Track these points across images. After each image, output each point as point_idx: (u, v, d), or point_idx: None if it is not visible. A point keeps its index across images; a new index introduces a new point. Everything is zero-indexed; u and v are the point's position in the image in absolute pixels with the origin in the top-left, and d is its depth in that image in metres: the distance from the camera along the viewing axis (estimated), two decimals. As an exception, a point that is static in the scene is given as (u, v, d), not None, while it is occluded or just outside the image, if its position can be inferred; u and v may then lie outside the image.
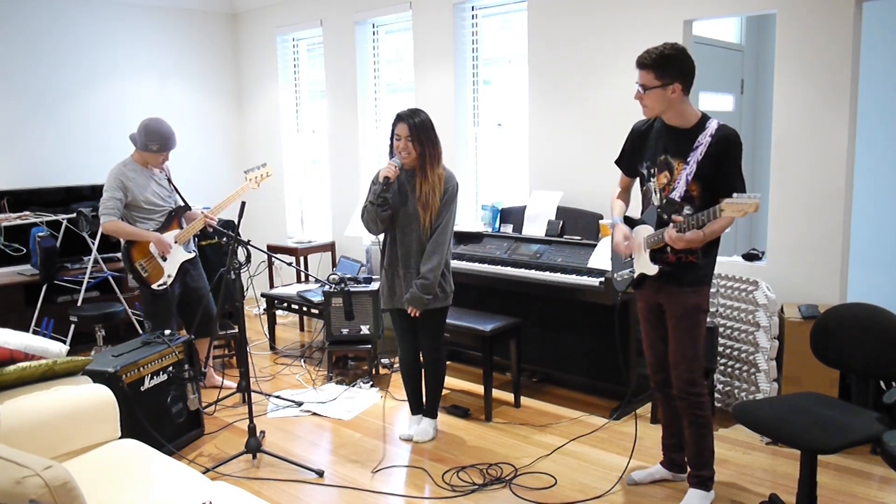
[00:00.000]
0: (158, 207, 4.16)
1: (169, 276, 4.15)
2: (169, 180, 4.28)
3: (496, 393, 4.31)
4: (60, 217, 5.34)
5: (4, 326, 2.87)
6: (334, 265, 6.20)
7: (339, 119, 6.15)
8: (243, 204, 3.69)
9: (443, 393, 4.23)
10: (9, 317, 4.97)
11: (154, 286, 4.12)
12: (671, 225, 2.73)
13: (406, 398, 3.89)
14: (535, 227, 4.55)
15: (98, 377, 3.11)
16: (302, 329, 6.09)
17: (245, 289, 3.86)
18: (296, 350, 5.49)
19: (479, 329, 3.98)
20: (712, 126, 2.77)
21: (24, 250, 5.40)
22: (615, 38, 4.36)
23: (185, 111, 6.64)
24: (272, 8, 6.59)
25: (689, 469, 3.03)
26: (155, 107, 6.29)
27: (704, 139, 2.75)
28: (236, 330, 4.66)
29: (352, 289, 4.56)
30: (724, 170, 2.74)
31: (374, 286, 4.63)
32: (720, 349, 3.83)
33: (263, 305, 5.49)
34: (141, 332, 5.08)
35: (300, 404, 4.30)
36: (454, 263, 4.38)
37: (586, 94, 4.54)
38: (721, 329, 3.84)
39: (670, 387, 3.06)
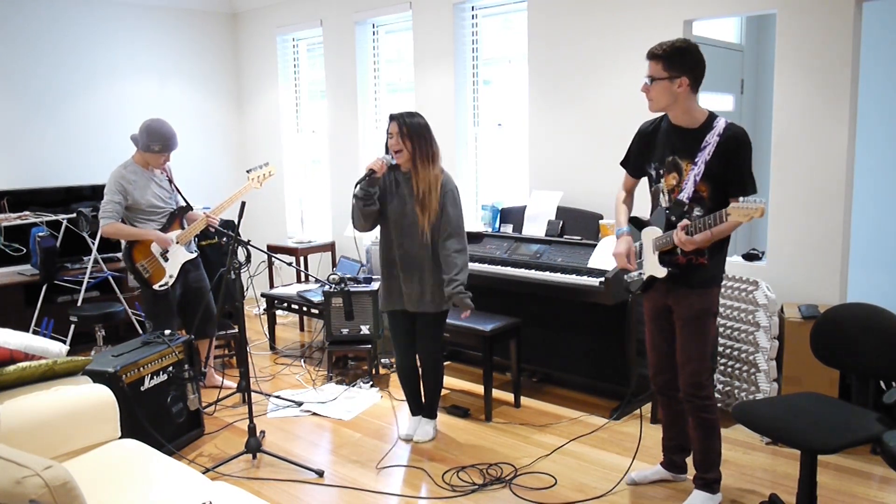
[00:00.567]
0: (159, 209, 4.16)
1: (171, 276, 4.15)
2: (170, 181, 4.28)
3: (496, 393, 4.31)
4: (60, 217, 5.34)
5: (4, 326, 2.87)
6: (334, 265, 6.20)
7: (339, 119, 6.15)
8: (243, 204, 3.69)
9: (443, 393, 4.23)
10: (9, 317, 4.98)
11: (156, 287, 4.13)
12: (679, 227, 2.70)
13: (405, 398, 3.89)
14: (535, 227, 4.55)
15: (98, 377, 3.11)
16: (302, 329, 6.09)
17: (245, 289, 3.86)
18: (296, 350, 5.49)
19: (479, 329, 3.98)
20: (720, 125, 2.74)
21: (24, 250, 5.40)
22: (615, 38, 4.36)
23: (185, 111, 6.64)
24: (272, 8, 6.59)
25: (695, 471, 3.01)
26: (155, 107, 6.29)
27: (712, 139, 2.72)
28: (236, 330, 4.66)
29: (352, 289, 4.56)
30: (733, 170, 2.70)
31: (374, 286, 4.63)
32: (720, 349, 3.83)
33: (263, 305, 5.49)
34: (141, 332, 5.09)
35: (300, 404, 4.30)
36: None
37: (586, 94, 4.54)
38: (721, 329, 3.84)
39: (672, 389, 3.06)
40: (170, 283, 4.15)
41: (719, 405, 3.87)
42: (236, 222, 3.71)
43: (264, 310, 5.50)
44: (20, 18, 5.63)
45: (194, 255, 4.30)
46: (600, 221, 4.27)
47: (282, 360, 5.25)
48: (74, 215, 5.29)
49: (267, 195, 6.87)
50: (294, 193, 6.91)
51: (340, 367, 5.00)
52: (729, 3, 3.94)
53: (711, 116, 2.79)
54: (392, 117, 3.46)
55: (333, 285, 4.60)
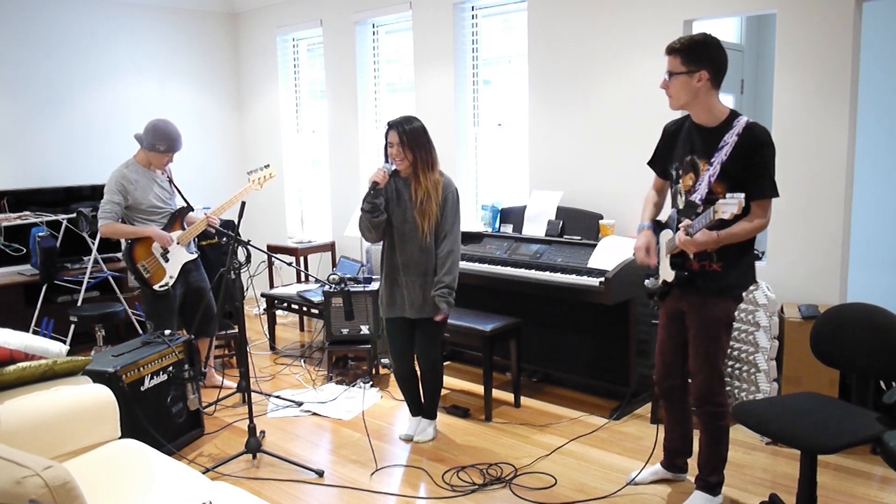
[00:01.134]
0: (160, 209, 4.16)
1: (171, 276, 4.15)
2: (170, 181, 4.28)
3: (496, 393, 4.31)
4: (60, 217, 5.34)
5: (4, 326, 2.87)
6: (334, 265, 6.20)
7: (339, 119, 6.15)
8: (243, 204, 3.69)
9: (443, 393, 4.24)
10: (9, 317, 4.98)
11: (156, 287, 4.12)
12: (681, 228, 2.66)
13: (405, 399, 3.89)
14: (535, 227, 4.55)
15: (98, 377, 3.11)
16: (302, 329, 6.09)
17: (245, 289, 3.86)
18: (296, 350, 5.49)
19: (479, 329, 3.98)
20: (740, 124, 2.64)
21: (24, 250, 5.40)
22: (615, 38, 4.36)
23: (185, 111, 6.64)
24: (272, 8, 6.59)
25: (697, 471, 3.00)
26: (155, 107, 6.29)
27: (731, 138, 2.62)
28: (236, 330, 4.66)
29: (352, 289, 4.56)
30: (753, 172, 2.59)
31: (374, 286, 4.63)
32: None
33: (263, 305, 5.49)
34: (141, 332, 5.08)
35: (300, 404, 4.30)
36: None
37: (586, 93, 4.54)
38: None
39: (677, 395, 3.04)
40: (170, 284, 4.15)
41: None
42: (236, 222, 3.71)
43: (264, 310, 5.50)
44: (20, 18, 5.63)
45: (195, 255, 4.30)
46: (600, 221, 4.27)
47: (282, 360, 5.25)
48: (74, 215, 5.29)
49: (267, 195, 6.86)
50: (294, 193, 6.91)
51: (340, 367, 5.00)
52: (729, 3, 3.94)
53: (733, 115, 2.69)
54: (391, 125, 3.46)
55: (333, 285, 4.60)
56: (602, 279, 3.83)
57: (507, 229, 4.71)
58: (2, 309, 5.11)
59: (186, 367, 3.71)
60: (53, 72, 5.83)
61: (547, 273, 4.08)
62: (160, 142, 4.06)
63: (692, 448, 3.14)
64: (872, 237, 4.83)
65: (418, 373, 3.74)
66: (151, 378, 3.54)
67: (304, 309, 5.16)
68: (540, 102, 4.78)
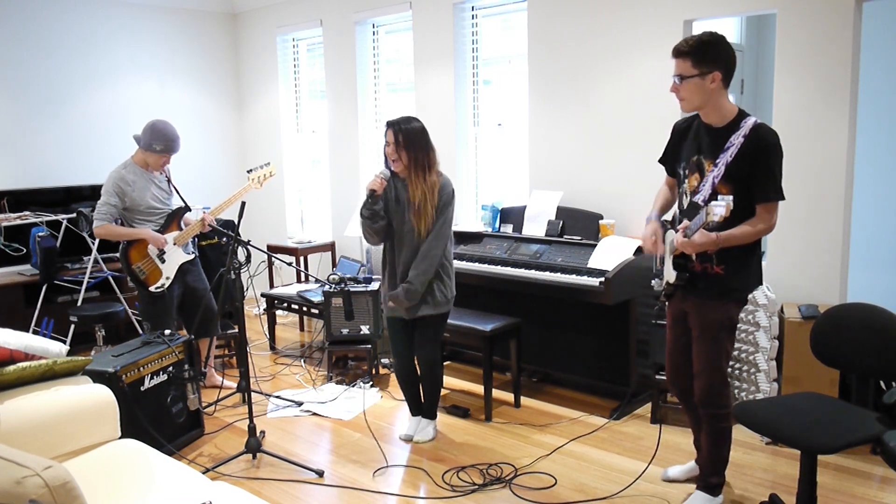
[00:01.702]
0: (158, 210, 4.15)
1: (167, 277, 4.14)
2: (168, 181, 4.28)
3: (496, 393, 4.31)
4: (60, 217, 5.34)
5: (4, 326, 2.87)
6: (334, 265, 6.20)
7: (339, 119, 6.15)
8: (243, 204, 3.69)
9: (443, 393, 4.24)
10: (9, 317, 4.97)
11: (152, 288, 4.11)
12: (679, 229, 2.64)
13: (405, 399, 3.89)
14: (535, 227, 4.55)
15: (98, 377, 3.11)
16: (302, 329, 6.09)
17: (245, 289, 3.86)
18: (296, 350, 5.49)
19: (479, 329, 3.98)
20: (748, 125, 2.61)
21: (24, 250, 5.40)
22: (615, 38, 4.36)
23: (185, 111, 6.64)
24: (272, 8, 6.59)
25: (699, 472, 3.01)
26: (155, 107, 6.29)
27: (737, 139, 2.59)
28: (236, 330, 4.66)
29: (352, 289, 4.55)
30: (758, 174, 2.57)
31: (374, 286, 4.63)
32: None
33: (263, 305, 5.49)
34: (141, 332, 5.08)
35: (300, 404, 4.30)
36: (454, 263, 4.37)
37: (586, 93, 4.54)
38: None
39: (690, 395, 3.03)
40: (166, 286, 4.13)
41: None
42: (236, 222, 3.71)
43: (264, 310, 5.50)
44: (20, 18, 5.63)
45: (192, 256, 4.29)
46: (600, 221, 4.27)
47: (282, 360, 5.25)
48: (74, 215, 5.28)
49: (267, 195, 6.86)
50: (294, 193, 6.91)
51: (340, 367, 5.00)
52: (729, 3, 3.94)
53: (741, 115, 2.67)
54: (388, 125, 3.46)
55: (333, 285, 4.59)
56: (602, 279, 3.83)
57: (507, 229, 4.71)
58: (2, 309, 5.11)
59: (186, 367, 3.71)
60: (53, 72, 5.83)
61: (547, 273, 4.08)
62: (157, 142, 4.05)
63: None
64: (872, 237, 4.83)
65: (418, 372, 3.74)
66: (151, 378, 3.54)
67: (304, 309, 5.16)
68: (540, 102, 4.78)
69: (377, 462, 3.54)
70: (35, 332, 4.94)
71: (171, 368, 3.66)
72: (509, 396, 4.26)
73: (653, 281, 3.02)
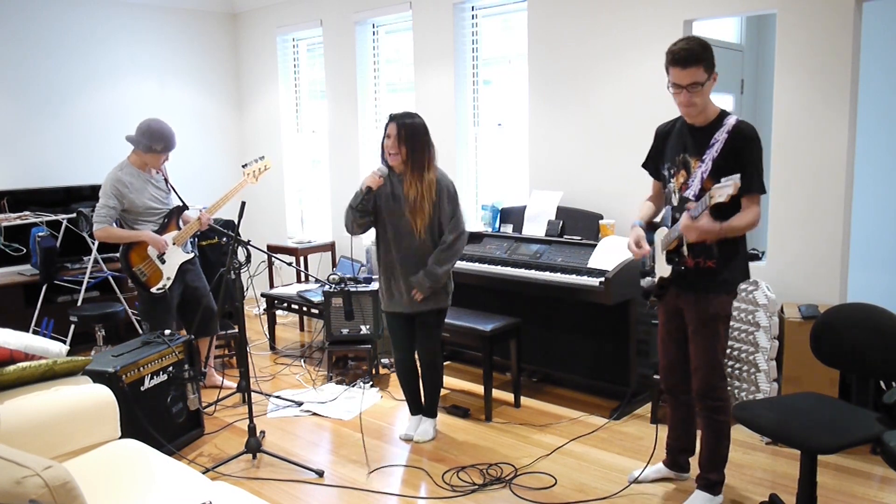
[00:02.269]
0: (157, 210, 4.15)
1: (168, 278, 4.14)
2: (166, 181, 4.27)
3: (496, 393, 4.31)
4: (60, 217, 5.34)
5: (4, 326, 2.87)
6: (334, 265, 6.20)
7: (339, 119, 6.15)
8: (243, 204, 3.68)
9: (443, 393, 4.24)
10: (9, 317, 4.97)
11: (153, 290, 4.11)
12: (685, 213, 2.66)
13: (405, 399, 3.89)
14: (535, 227, 4.55)
15: (98, 377, 3.11)
16: (302, 329, 6.09)
17: (245, 289, 3.86)
18: (296, 350, 5.49)
19: (479, 329, 3.98)
20: (730, 122, 2.70)
21: (24, 250, 5.40)
22: (615, 38, 4.36)
23: (185, 111, 6.64)
24: (272, 8, 6.59)
25: (699, 470, 3.00)
26: (155, 107, 6.29)
27: (721, 136, 2.68)
28: (236, 330, 4.66)
29: (352, 289, 4.56)
30: (743, 168, 2.64)
31: (374, 286, 4.63)
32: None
33: (263, 305, 5.49)
34: (141, 332, 5.08)
35: (300, 404, 4.30)
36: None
37: (586, 93, 4.54)
38: (721, 329, 3.83)
39: (681, 391, 3.05)
40: (167, 286, 4.14)
41: (719, 405, 3.87)
42: (236, 222, 3.71)
43: (264, 310, 5.50)
44: (20, 18, 5.63)
45: (191, 255, 4.29)
46: (600, 221, 4.27)
47: (282, 360, 5.25)
48: (74, 215, 5.28)
49: (267, 195, 6.87)
50: (294, 193, 6.91)
51: (340, 367, 5.00)
52: (729, 3, 3.94)
53: (723, 114, 2.75)
54: (392, 118, 3.47)
55: (333, 285, 4.60)
56: (602, 279, 3.83)
57: (507, 229, 4.71)
58: (2, 309, 5.11)
59: (186, 367, 3.71)
60: (53, 72, 5.83)
61: (547, 273, 4.08)
62: (157, 142, 4.05)
63: (695, 445, 3.14)
64: (872, 237, 4.83)
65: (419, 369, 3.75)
66: (151, 378, 3.54)
67: (304, 309, 5.16)
68: (540, 102, 4.78)
69: (377, 462, 3.54)
70: (35, 332, 4.94)
71: (171, 368, 3.66)
72: (509, 396, 4.26)
73: (642, 280, 3.04)
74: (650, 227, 3.01)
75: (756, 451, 3.53)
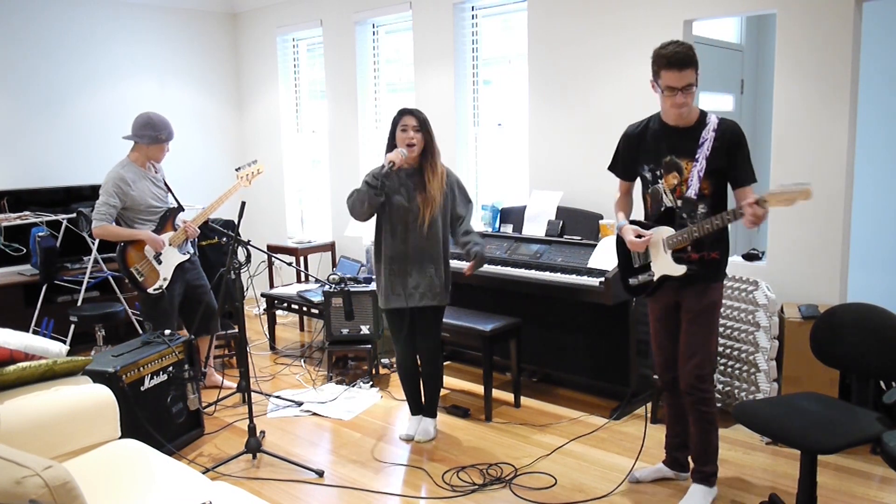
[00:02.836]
0: (157, 209, 4.15)
1: (164, 279, 4.14)
2: (164, 180, 4.27)
3: (496, 393, 4.31)
4: (60, 217, 5.34)
5: (4, 326, 2.87)
6: (334, 265, 6.20)
7: (339, 119, 6.15)
8: (243, 204, 3.68)
9: (443, 393, 4.24)
10: (9, 317, 4.97)
11: (150, 290, 4.11)
12: (749, 202, 2.58)
13: (405, 398, 3.89)
14: (535, 227, 4.55)
15: (98, 377, 3.11)
16: (302, 329, 6.09)
17: (245, 289, 3.86)
18: (296, 350, 5.49)
19: (479, 329, 3.98)
20: (713, 121, 2.78)
21: (24, 250, 5.40)
22: (615, 38, 4.36)
23: (185, 111, 6.64)
24: (272, 8, 6.59)
25: (692, 465, 3.03)
26: (155, 107, 6.20)
27: (708, 134, 2.76)
28: (236, 330, 4.66)
29: (352, 289, 4.56)
30: (737, 162, 2.75)
31: (374, 286, 4.63)
32: (720, 349, 3.83)
33: (263, 305, 5.49)
34: (141, 332, 5.08)
35: (300, 404, 4.30)
36: (454, 263, 4.37)
37: (586, 93, 4.54)
38: (721, 329, 3.83)
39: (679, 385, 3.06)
40: (164, 287, 4.13)
41: (719, 405, 3.87)
42: (236, 222, 3.71)
43: (264, 310, 5.50)
44: (20, 18, 5.63)
45: (187, 256, 4.27)
46: (600, 221, 4.27)
47: (282, 360, 5.25)
48: (74, 215, 5.29)
49: (267, 195, 6.87)
50: (294, 193, 6.91)
51: (340, 367, 5.00)
52: (729, 3, 3.94)
53: (703, 113, 2.83)
54: (407, 111, 3.53)
55: (333, 285, 4.60)
56: (602, 279, 3.83)
57: (507, 229, 4.71)
58: (2, 309, 5.11)
59: (186, 367, 3.71)
60: (53, 72, 5.83)
61: (547, 273, 4.08)
62: (161, 131, 4.07)
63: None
64: (872, 237, 4.84)
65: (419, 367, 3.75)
66: (151, 378, 3.54)
67: (304, 309, 5.16)
68: (540, 102, 4.78)
69: (377, 462, 3.54)
70: (35, 332, 4.94)
71: (171, 368, 3.66)
72: (509, 396, 4.26)
73: (631, 280, 3.05)
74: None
75: (756, 451, 3.53)
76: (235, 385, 4.45)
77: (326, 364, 4.92)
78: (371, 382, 4.60)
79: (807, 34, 3.69)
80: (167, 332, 3.84)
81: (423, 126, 3.50)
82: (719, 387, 3.86)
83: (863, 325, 2.75)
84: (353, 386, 4.58)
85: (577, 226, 4.39)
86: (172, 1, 6.48)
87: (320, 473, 3.39)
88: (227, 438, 3.87)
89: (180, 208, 4.30)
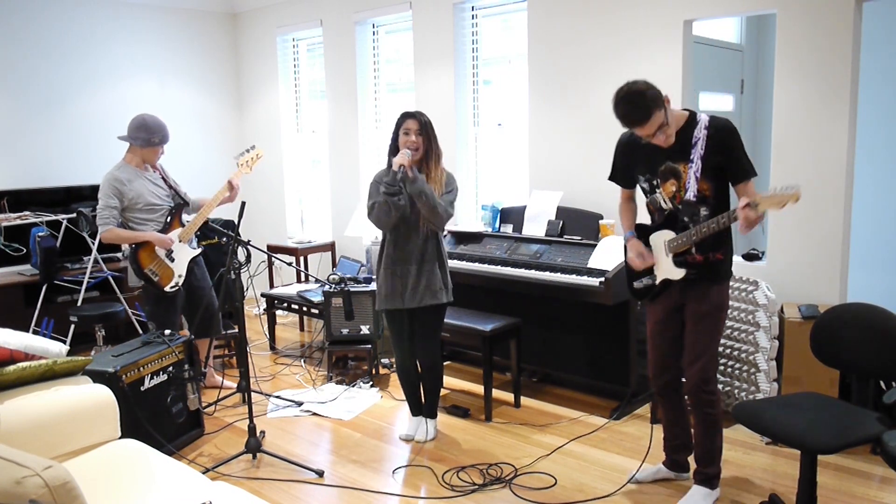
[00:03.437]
0: (158, 207, 4.15)
1: (180, 276, 4.15)
2: (164, 179, 4.27)
3: (496, 393, 4.31)
4: (60, 217, 5.34)
5: (4, 326, 2.87)
6: (334, 265, 6.20)
7: (339, 119, 6.15)
8: (243, 204, 3.68)
9: (443, 393, 4.24)
10: (9, 317, 4.97)
11: (167, 289, 4.12)
12: (741, 206, 2.58)
13: (405, 398, 3.89)
14: (535, 227, 4.55)
15: (98, 377, 3.11)
16: (302, 329, 6.09)
17: (245, 289, 3.86)
18: (296, 350, 5.49)
19: (479, 329, 3.98)
20: (704, 120, 2.78)
21: (24, 250, 5.40)
22: (615, 38, 4.36)
23: (185, 111, 6.64)
24: (272, 8, 6.59)
25: (695, 466, 3.03)
26: (155, 107, 6.27)
27: (700, 133, 2.75)
28: (236, 330, 4.66)
29: (352, 289, 4.56)
30: (733, 158, 2.74)
31: (374, 286, 4.62)
32: (720, 349, 3.83)
33: (263, 305, 5.49)
34: (141, 332, 5.08)
35: (300, 404, 4.30)
36: (454, 263, 4.38)
37: (586, 94, 4.54)
38: (721, 329, 3.83)
39: (674, 389, 3.06)
40: (180, 283, 4.15)
41: (719, 405, 3.87)
42: (236, 222, 3.71)
43: (264, 310, 5.50)
44: (20, 18, 5.63)
45: (198, 251, 4.28)
46: (600, 221, 4.27)
47: (282, 360, 5.25)
48: (74, 215, 5.28)
49: (267, 195, 6.87)
50: (294, 193, 6.91)
51: (340, 367, 5.00)
52: (729, 3, 3.94)
53: (692, 113, 2.83)
54: (410, 114, 3.50)
55: (333, 285, 4.60)
56: (602, 279, 3.83)
57: (507, 229, 4.71)
58: (2, 309, 5.11)
59: (186, 367, 3.71)
60: (53, 72, 5.83)
61: (547, 273, 4.08)
62: (154, 134, 4.07)
63: (692, 441, 3.15)
64: (872, 237, 4.84)
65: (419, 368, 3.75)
66: (151, 378, 3.54)
67: (304, 309, 5.16)
68: (540, 102, 4.78)
69: (377, 462, 3.54)
70: (35, 332, 4.94)
71: (171, 368, 3.66)
72: (509, 396, 4.26)
73: (635, 283, 3.07)
74: (639, 232, 3.06)
75: (756, 451, 3.53)
76: (235, 385, 4.46)
77: (326, 364, 4.92)
78: (371, 382, 4.60)
79: (807, 34, 3.69)
80: (167, 331, 3.84)
81: (425, 129, 3.49)
82: (719, 387, 3.86)
83: (863, 325, 2.75)
84: (353, 386, 4.58)
85: (577, 226, 4.39)
86: (172, 1, 6.48)
87: (320, 473, 3.39)
88: (227, 438, 3.87)
89: (185, 204, 4.30)
